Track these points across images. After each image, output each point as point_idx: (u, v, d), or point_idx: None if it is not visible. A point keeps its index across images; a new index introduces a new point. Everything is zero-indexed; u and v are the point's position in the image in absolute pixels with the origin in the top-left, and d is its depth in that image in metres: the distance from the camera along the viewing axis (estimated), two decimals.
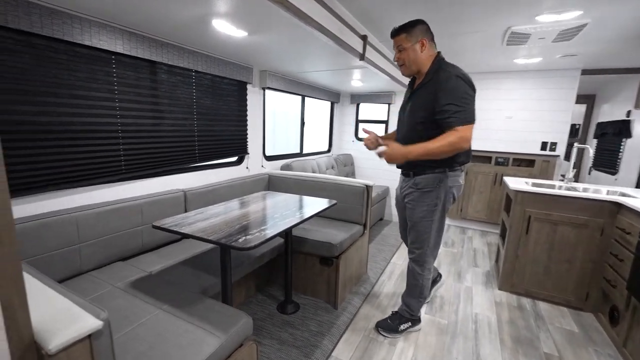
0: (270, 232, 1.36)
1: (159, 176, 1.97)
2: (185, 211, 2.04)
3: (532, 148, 3.57)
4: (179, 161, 2.07)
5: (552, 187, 2.42)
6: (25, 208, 1.39)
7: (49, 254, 1.40)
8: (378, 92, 4.01)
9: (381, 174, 4.21)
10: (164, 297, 1.34)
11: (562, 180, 2.60)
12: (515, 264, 2.34)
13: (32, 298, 0.73)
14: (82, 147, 1.54)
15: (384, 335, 1.87)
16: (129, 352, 1.02)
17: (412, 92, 1.64)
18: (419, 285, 1.81)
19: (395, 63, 1.68)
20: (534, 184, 2.50)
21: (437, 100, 1.46)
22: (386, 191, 4.04)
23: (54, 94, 1.41)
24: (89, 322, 0.66)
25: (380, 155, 1.54)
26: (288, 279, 2.03)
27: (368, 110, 4.41)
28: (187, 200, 2.05)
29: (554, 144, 3.47)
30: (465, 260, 3.00)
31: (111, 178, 1.68)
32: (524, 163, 3.61)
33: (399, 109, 1.78)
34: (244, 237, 1.29)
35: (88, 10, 1.40)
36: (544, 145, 3.52)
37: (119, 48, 1.59)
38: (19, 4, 1.23)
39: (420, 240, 1.73)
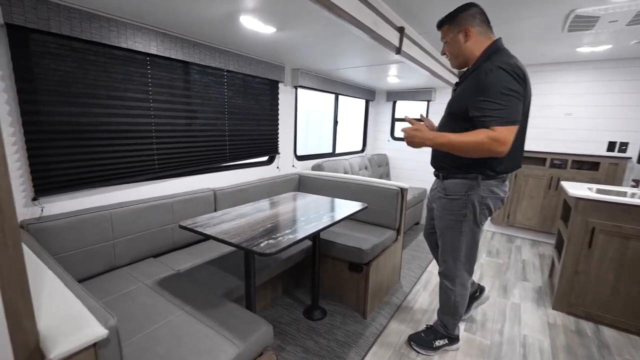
0: (294, 236, 1.30)
1: (190, 175, 2.01)
2: (215, 210, 2.06)
3: (596, 149, 3.13)
4: (210, 160, 2.08)
5: (623, 194, 2.08)
6: (65, 205, 1.46)
7: (88, 248, 1.46)
8: (416, 88, 3.79)
9: (418, 175, 3.98)
10: (188, 298, 1.34)
11: (636, 187, 2.23)
12: (573, 281, 2.04)
13: (46, 299, 0.73)
14: (118, 147, 1.59)
15: (416, 351, 1.72)
16: (148, 353, 1.01)
17: (457, 84, 1.48)
18: (452, 301, 1.63)
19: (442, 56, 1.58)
20: (599, 190, 2.16)
21: (474, 95, 1.27)
22: (423, 194, 3.81)
23: (92, 96, 1.47)
24: (95, 330, 0.64)
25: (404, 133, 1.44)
26: (315, 283, 1.96)
27: (405, 108, 4.20)
28: (217, 200, 2.06)
29: (624, 145, 3.01)
30: (512, 272, 2.71)
31: (145, 177, 1.73)
32: (585, 166, 3.18)
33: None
34: (266, 241, 1.24)
35: (122, 12, 1.43)
36: (611, 146, 3.07)
37: (153, 49, 1.62)
38: (60, 9, 1.29)
39: (448, 252, 1.56)
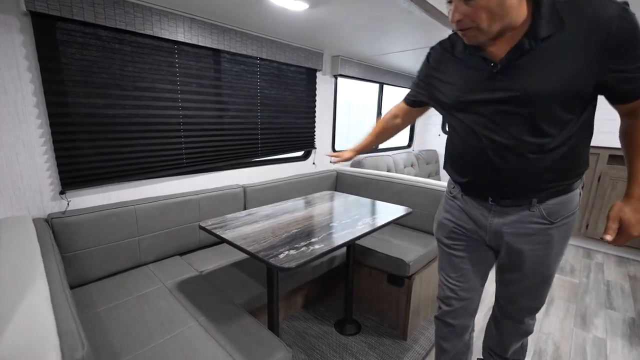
0: (320, 247, 1.10)
1: (219, 171, 1.91)
2: (245, 208, 1.94)
3: None
4: (241, 155, 1.97)
5: None
6: (91, 199, 1.43)
7: (113, 244, 1.43)
8: None
9: None
10: (205, 307, 1.22)
11: None
12: None
13: (21, 314, 0.62)
14: (145, 140, 1.53)
15: None
16: None
17: (501, 65, 0.82)
18: (525, 344, 1.29)
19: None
20: None
21: (610, 58, 0.74)
22: None
23: (119, 86, 1.41)
24: None
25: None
26: (348, 295, 1.75)
27: None
28: (247, 197, 1.94)
29: None
30: (592, 297, 2.22)
31: (172, 172, 1.66)
32: None
33: (444, 108, 1.01)
34: (287, 252, 1.06)
35: None
36: None
37: (180, 36, 1.53)
38: None
39: (543, 300, 1.09)
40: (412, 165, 3.37)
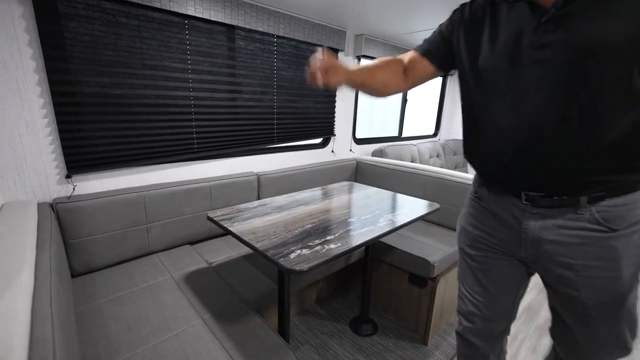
0: (336, 247, 0.98)
1: (232, 157, 1.81)
2: (259, 198, 1.85)
3: None
4: (255, 141, 1.86)
5: None
6: (98, 184, 1.37)
7: (121, 231, 1.37)
8: None
9: None
10: (211, 303, 1.14)
11: None
12: None
13: None
14: (154, 123, 1.45)
15: None
16: None
17: (554, 10, 0.63)
18: None
19: None
20: None
21: None
22: None
23: (126, 64, 1.32)
24: None
25: None
26: (366, 293, 1.64)
27: None
28: (261, 186, 1.84)
29: None
30: None
31: (182, 157, 1.58)
32: None
33: (481, 72, 0.75)
34: (299, 251, 0.94)
35: None
36: None
37: (190, 10, 1.41)
38: None
39: (635, 328, 0.78)
40: (437, 156, 3.16)
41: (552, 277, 0.78)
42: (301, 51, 1.95)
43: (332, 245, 0.98)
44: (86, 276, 1.29)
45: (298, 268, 0.85)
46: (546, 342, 1.64)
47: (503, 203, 0.80)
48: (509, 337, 0.99)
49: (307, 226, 1.14)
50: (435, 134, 3.62)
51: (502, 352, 0.99)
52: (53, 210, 1.21)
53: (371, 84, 0.92)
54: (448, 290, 1.65)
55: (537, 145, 0.68)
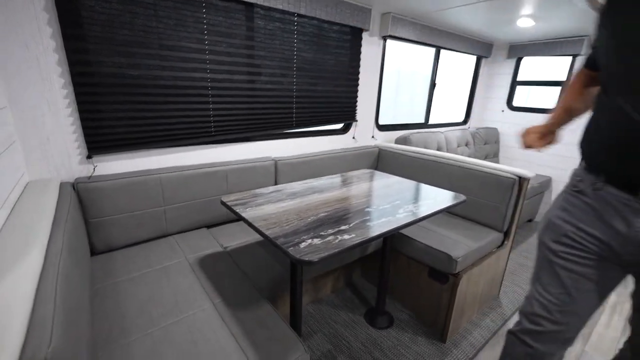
0: (350, 238, 0.92)
1: (250, 141, 1.78)
2: (276, 183, 1.82)
3: None
4: (273, 125, 1.81)
5: None
6: (118, 165, 1.39)
7: (139, 212, 1.39)
8: (557, 37, 2.73)
9: (540, 158, 3.02)
10: (223, 287, 1.14)
11: None
12: None
13: None
14: (171, 105, 1.43)
15: None
16: (154, 357, 0.83)
17: None
18: None
19: None
20: None
21: None
22: (546, 184, 2.88)
23: (142, 44, 1.30)
24: None
25: None
26: (382, 285, 1.58)
27: (534, 66, 3.15)
28: (278, 171, 1.81)
29: None
30: None
31: (199, 140, 1.56)
32: None
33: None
34: (310, 240, 0.90)
35: None
36: None
37: None
38: None
39: None
40: (466, 145, 2.97)
41: None
42: (323, 31, 1.85)
43: (346, 236, 0.93)
44: (106, 255, 1.32)
45: (307, 258, 0.80)
46: (577, 349, 1.51)
47: (611, 201, 0.73)
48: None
49: (320, 215, 1.09)
50: (465, 122, 3.41)
51: (562, 358, 0.90)
52: (74, 190, 1.24)
53: (575, 112, 0.93)
54: (471, 287, 1.56)
55: None
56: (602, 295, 0.82)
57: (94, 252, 1.33)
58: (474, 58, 3.21)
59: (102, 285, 1.12)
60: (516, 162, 3.25)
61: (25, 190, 1.07)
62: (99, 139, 1.30)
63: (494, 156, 3.29)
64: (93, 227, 1.29)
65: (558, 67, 2.97)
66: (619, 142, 0.69)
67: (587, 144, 0.79)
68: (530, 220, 3.02)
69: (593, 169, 0.77)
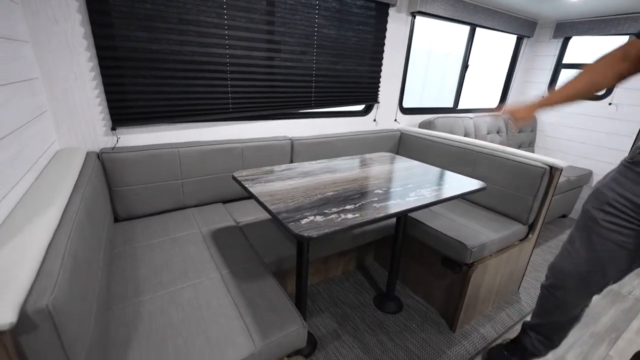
0: (353, 217, 0.90)
1: (267, 120, 1.78)
2: (291, 162, 1.82)
3: None
4: (292, 105, 1.80)
5: None
6: (139, 138, 1.45)
7: (158, 184, 1.46)
8: (614, 14, 2.43)
9: (582, 149, 2.77)
10: (231, 260, 1.17)
11: None
12: None
13: (9, 247, 0.60)
14: (191, 81, 1.46)
15: None
16: (162, 316, 0.88)
17: None
18: None
19: None
20: None
21: None
22: (585, 178, 2.65)
23: (162, 19, 1.32)
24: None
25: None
26: (393, 271, 1.56)
27: (583, 47, 2.85)
28: (294, 151, 1.80)
29: None
30: None
31: (218, 116, 1.58)
32: None
33: None
34: (312, 217, 0.89)
35: None
36: None
37: None
38: None
39: None
40: (498, 132, 2.79)
41: None
42: (345, 6, 1.78)
43: (350, 215, 0.91)
44: (128, 222, 1.41)
45: (306, 234, 0.80)
46: (602, 351, 1.42)
47: None
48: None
49: (328, 194, 1.08)
50: (499, 108, 3.19)
51: (585, 306, 1.06)
52: (99, 159, 1.31)
53: (575, 93, 0.96)
54: (487, 279, 1.50)
55: None
56: (632, 258, 0.88)
57: (117, 219, 1.42)
58: (513, 38, 2.96)
59: (122, 249, 1.20)
60: (553, 153, 3.01)
61: (54, 157, 1.15)
62: (122, 111, 1.36)
63: (528, 145, 3.07)
64: (116, 195, 1.37)
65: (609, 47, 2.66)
66: None
67: None
68: (564, 216, 2.82)
69: None
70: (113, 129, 1.37)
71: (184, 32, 1.38)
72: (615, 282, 0.96)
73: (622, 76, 0.90)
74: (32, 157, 0.95)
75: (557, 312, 1.08)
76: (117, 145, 1.39)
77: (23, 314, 0.49)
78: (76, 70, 1.23)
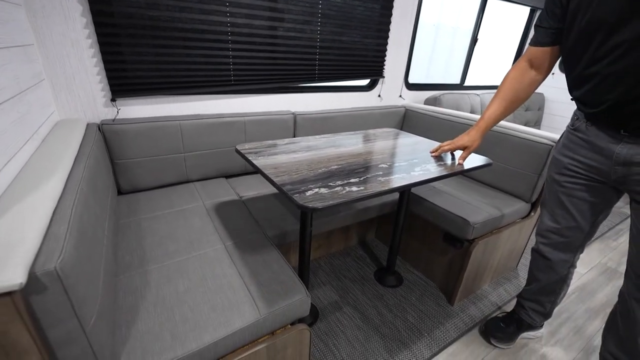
0: (358, 190, 0.90)
1: (270, 94, 1.74)
2: (294, 137, 1.80)
3: None
4: (295, 78, 1.75)
5: None
6: (140, 110, 1.42)
7: (160, 157, 1.45)
8: None
9: None
10: (235, 232, 1.18)
11: None
12: None
13: (14, 211, 0.59)
14: (192, 50, 1.41)
15: None
16: (167, 286, 0.90)
17: None
18: None
19: None
20: None
21: None
22: None
23: None
24: (10, 275, 0.46)
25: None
26: (395, 245, 1.58)
27: None
28: (297, 126, 1.78)
29: None
30: None
31: (219, 89, 1.55)
32: None
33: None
34: (317, 190, 0.89)
35: None
36: None
37: None
38: None
39: None
40: None
41: (638, 196, 0.89)
42: None
43: (354, 188, 0.91)
44: (132, 195, 1.41)
45: (311, 205, 0.79)
46: (596, 325, 1.46)
47: (599, 133, 0.92)
48: (577, 263, 1.18)
49: (332, 167, 1.06)
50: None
51: (572, 266, 1.17)
52: (100, 131, 1.29)
53: (504, 110, 1.10)
54: (487, 255, 1.51)
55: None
56: (598, 210, 1.03)
57: (120, 191, 1.43)
58: (525, 11, 2.83)
59: (127, 221, 1.21)
60: (560, 132, 2.96)
61: (54, 127, 1.13)
62: (122, 82, 1.32)
63: (535, 124, 3.02)
64: (119, 167, 1.37)
65: None
66: (610, 98, 0.84)
67: (578, 98, 0.95)
68: None
69: (585, 116, 0.95)
70: (113, 100, 1.34)
71: None
72: (591, 235, 1.09)
73: (535, 82, 1.06)
74: (32, 126, 0.93)
75: (547, 272, 1.18)
76: (117, 117, 1.36)
77: (32, 276, 0.49)
78: (72, 37, 1.18)
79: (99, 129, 1.30)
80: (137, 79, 1.34)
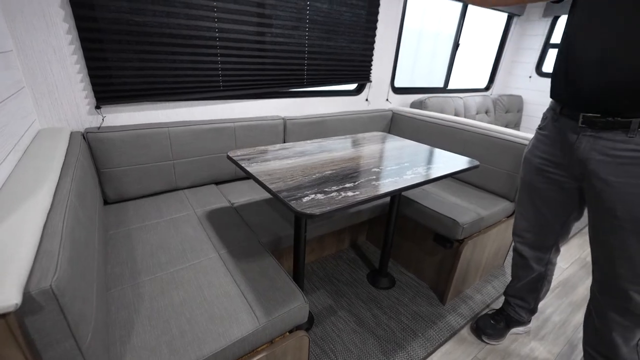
0: (354, 195, 0.91)
1: (259, 99, 1.74)
2: (284, 142, 1.80)
3: None
4: (283, 83, 1.75)
5: None
6: (126, 117, 1.39)
7: (148, 165, 1.41)
8: None
9: None
10: (229, 240, 1.17)
11: None
12: None
13: (4, 224, 0.57)
14: (179, 56, 1.39)
15: None
16: (162, 298, 0.88)
17: None
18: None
19: None
20: None
21: None
22: None
23: None
24: (3, 297, 0.44)
25: None
26: (387, 248, 1.60)
27: None
28: (287, 131, 1.78)
29: None
30: None
31: (208, 95, 1.53)
32: None
33: None
34: (312, 196, 0.89)
35: None
36: None
37: None
38: None
39: None
40: (486, 112, 2.83)
41: (593, 193, 0.89)
42: None
43: (350, 193, 0.92)
44: (119, 204, 1.37)
45: (309, 212, 0.80)
46: (579, 318, 1.52)
47: (562, 129, 0.94)
48: (558, 256, 1.25)
49: (326, 172, 1.07)
50: (487, 88, 3.22)
51: (549, 263, 1.21)
52: (84, 139, 1.25)
53: None
54: (476, 254, 1.56)
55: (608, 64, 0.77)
56: (568, 210, 1.06)
57: (107, 201, 1.38)
58: (503, 17, 2.95)
59: (115, 232, 1.17)
60: None
61: (36, 137, 1.09)
62: (107, 89, 1.29)
63: (515, 126, 3.14)
64: (105, 176, 1.32)
65: None
66: (576, 80, 0.85)
67: (555, 83, 0.94)
68: None
69: (554, 103, 0.97)
70: (97, 107, 1.30)
71: (169, 3, 1.30)
72: (564, 235, 1.13)
73: None
74: (14, 136, 0.89)
75: (526, 269, 1.23)
76: (102, 125, 1.32)
77: (27, 296, 0.47)
78: (54, 43, 1.14)
79: (84, 137, 1.26)
80: (122, 86, 1.31)
